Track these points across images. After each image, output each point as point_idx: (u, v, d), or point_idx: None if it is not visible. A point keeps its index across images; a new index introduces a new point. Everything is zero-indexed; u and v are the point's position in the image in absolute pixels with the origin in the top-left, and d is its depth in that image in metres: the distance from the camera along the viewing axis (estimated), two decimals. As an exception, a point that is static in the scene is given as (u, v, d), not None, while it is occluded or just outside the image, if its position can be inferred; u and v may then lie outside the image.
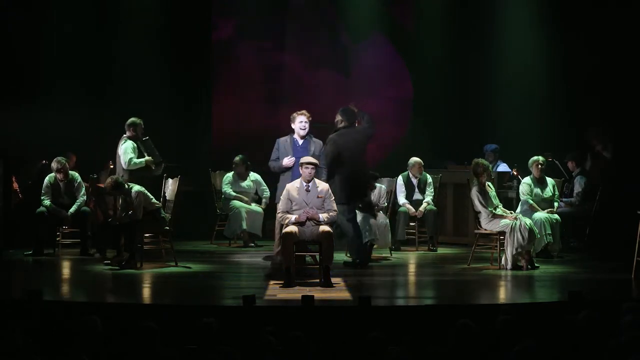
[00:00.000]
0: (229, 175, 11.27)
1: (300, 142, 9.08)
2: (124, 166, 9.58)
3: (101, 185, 10.68)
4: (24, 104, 11.28)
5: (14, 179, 10.68)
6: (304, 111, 9.13)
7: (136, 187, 9.05)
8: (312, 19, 13.23)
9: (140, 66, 12.20)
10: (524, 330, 5.29)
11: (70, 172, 10.13)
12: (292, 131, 9.17)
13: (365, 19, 13.15)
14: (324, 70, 13.27)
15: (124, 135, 9.73)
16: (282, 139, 9.18)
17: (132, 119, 9.79)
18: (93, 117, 11.88)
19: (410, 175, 10.87)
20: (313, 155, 8.73)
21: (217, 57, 13.25)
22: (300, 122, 9.06)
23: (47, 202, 9.95)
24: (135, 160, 9.57)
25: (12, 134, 10.64)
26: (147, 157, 9.66)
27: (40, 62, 11.87)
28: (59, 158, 10.03)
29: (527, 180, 10.02)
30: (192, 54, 12.77)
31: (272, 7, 13.12)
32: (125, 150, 9.59)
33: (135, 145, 9.64)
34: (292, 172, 8.90)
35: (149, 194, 9.17)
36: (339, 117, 9.22)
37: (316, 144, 9.09)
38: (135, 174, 9.54)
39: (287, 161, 8.98)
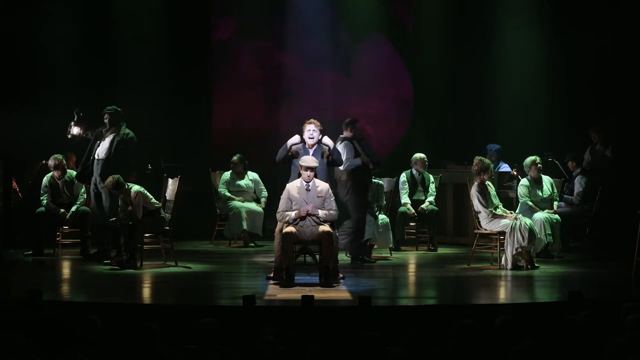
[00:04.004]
0: (227, 174, 11.27)
1: (311, 151, 8.73)
2: (341, 167, 9.37)
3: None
4: (24, 105, 11.28)
5: (13, 179, 10.67)
6: (312, 120, 8.78)
7: (135, 187, 9.04)
8: (312, 19, 13.21)
9: (140, 66, 12.20)
10: (523, 330, 5.29)
11: (68, 170, 10.12)
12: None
13: (365, 19, 13.15)
14: (324, 70, 13.26)
15: (341, 135, 9.50)
16: (295, 145, 8.80)
17: (350, 118, 9.67)
18: (93, 117, 11.87)
19: (414, 171, 10.82)
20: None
21: (217, 57, 13.24)
22: (308, 131, 8.72)
23: (45, 201, 9.95)
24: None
25: (12, 134, 10.63)
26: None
27: (41, 63, 11.86)
28: (56, 155, 10.00)
29: (524, 182, 9.96)
30: (192, 54, 12.77)
31: (272, 7, 13.11)
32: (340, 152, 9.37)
33: (349, 145, 9.41)
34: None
35: (148, 194, 9.17)
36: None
37: (328, 148, 8.79)
38: (354, 174, 9.37)
39: (294, 139, 8.64)
